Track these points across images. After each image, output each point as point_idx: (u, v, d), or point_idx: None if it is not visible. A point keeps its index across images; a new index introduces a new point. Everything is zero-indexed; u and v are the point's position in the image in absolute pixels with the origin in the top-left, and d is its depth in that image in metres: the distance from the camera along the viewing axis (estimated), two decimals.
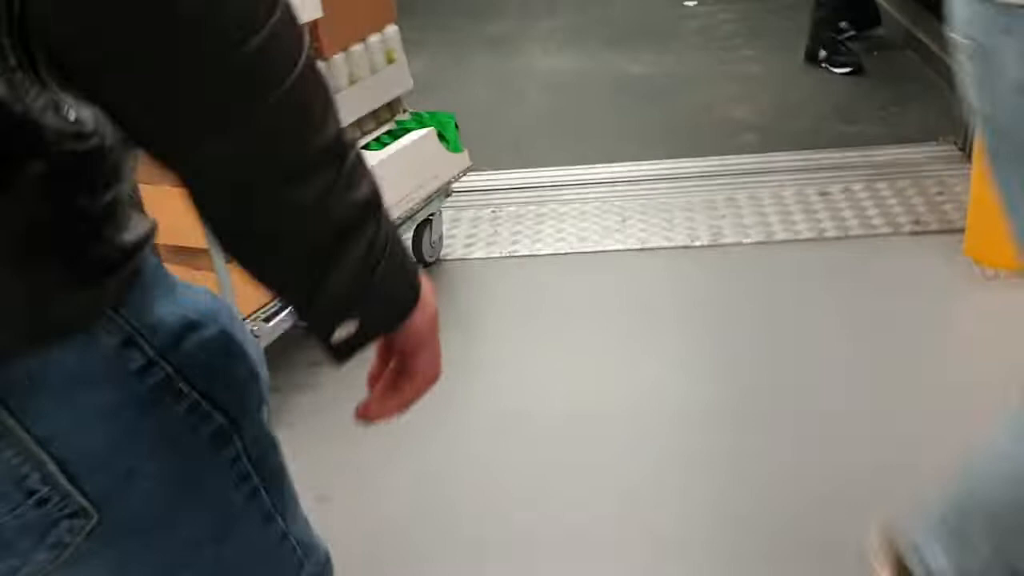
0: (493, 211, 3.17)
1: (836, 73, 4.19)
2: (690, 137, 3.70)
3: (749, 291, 2.65)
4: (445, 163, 2.71)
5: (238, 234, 0.63)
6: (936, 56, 4.08)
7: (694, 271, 2.76)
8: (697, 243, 2.86)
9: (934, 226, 2.84)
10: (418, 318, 0.71)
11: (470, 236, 3.03)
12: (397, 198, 2.51)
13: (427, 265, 2.85)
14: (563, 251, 2.89)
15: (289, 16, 0.58)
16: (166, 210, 0.82)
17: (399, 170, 2.52)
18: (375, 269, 0.65)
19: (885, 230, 2.84)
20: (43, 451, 0.63)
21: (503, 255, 2.91)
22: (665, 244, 2.87)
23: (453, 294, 2.73)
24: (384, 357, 0.77)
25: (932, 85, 3.94)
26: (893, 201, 2.99)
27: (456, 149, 2.78)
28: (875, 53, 4.38)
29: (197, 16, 0.54)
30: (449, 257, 2.92)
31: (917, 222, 2.86)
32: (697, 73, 4.45)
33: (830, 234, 2.85)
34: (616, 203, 3.16)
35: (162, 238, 0.71)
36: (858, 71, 4.17)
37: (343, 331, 0.67)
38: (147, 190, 0.90)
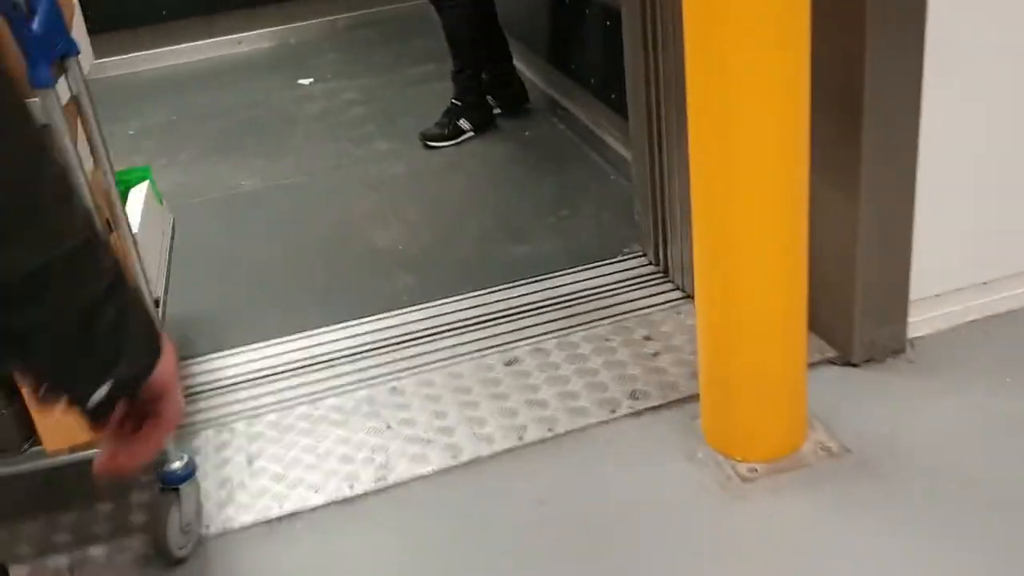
0: None
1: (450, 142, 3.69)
2: (326, 288, 2.84)
3: (441, 559, 1.84)
4: (165, 218, 2.46)
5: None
6: (590, 131, 3.53)
7: (348, 542, 1.89)
8: (355, 491, 2.00)
9: (656, 397, 2.18)
10: (163, 366, 0.75)
11: None
12: (158, 258, 2.24)
13: None
14: None
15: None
16: None
17: (152, 229, 2.24)
18: (125, 333, 0.72)
19: (599, 415, 2.14)
20: None
21: None
22: (300, 506, 1.97)
23: None
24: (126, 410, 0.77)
25: (594, 168, 3.37)
26: (597, 362, 2.31)
27: (160, 203, 2.45)
28: (527, 133, 3.77)
29: None
30: None
31: (634, 395, 2.19)
32: (326, 180, 3.60)
33: (531, 435, 2.10)
34: (227, 425, 2.22)
35: None
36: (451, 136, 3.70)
37: (100, 393, 0.71)
38: None
